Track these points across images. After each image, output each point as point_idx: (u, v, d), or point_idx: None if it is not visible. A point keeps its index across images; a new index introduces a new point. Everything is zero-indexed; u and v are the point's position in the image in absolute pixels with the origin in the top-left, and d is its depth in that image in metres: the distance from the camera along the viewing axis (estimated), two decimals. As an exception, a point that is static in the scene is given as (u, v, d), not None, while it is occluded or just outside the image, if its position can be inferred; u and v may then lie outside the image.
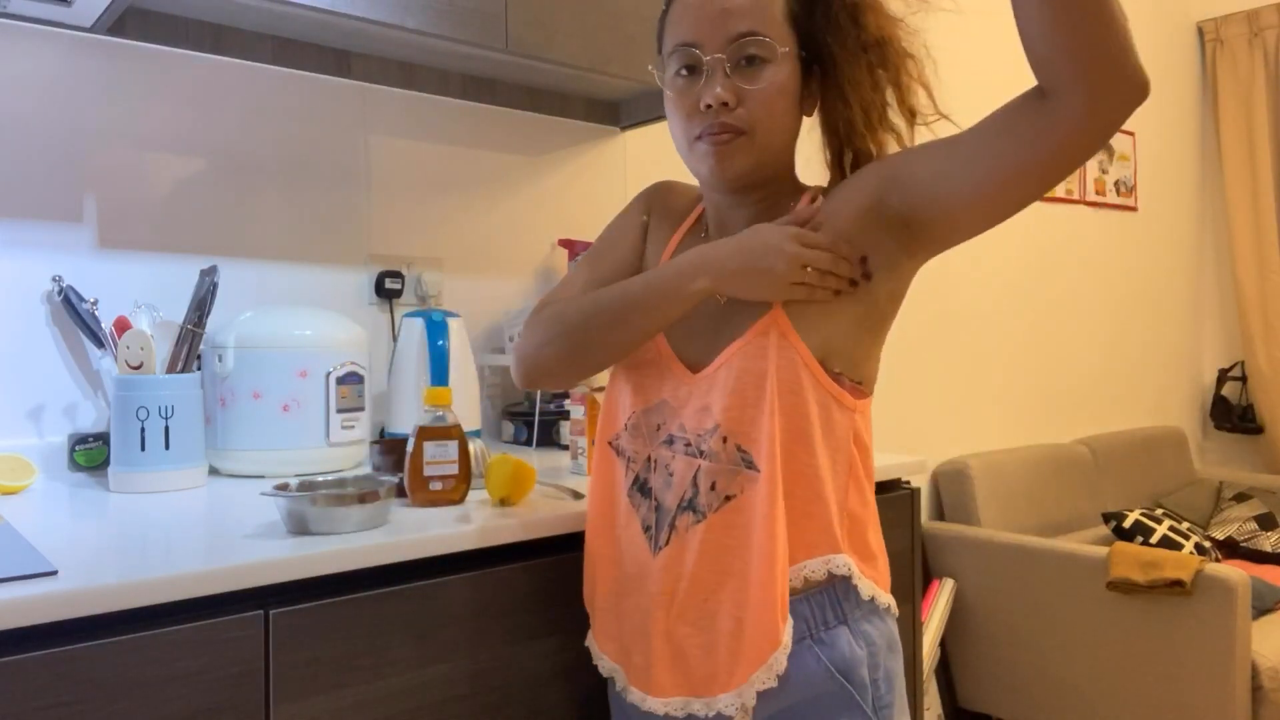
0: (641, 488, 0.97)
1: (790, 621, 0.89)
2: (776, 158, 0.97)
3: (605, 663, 1.01)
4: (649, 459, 0.97)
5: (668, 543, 0.94)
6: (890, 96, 0.95)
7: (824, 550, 0.91)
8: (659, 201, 1.09)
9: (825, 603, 0.92)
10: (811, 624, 0.91)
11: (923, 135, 0.94)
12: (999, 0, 0.82)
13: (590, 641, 1.04)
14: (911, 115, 0.95)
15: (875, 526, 0.98)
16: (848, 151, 0.98)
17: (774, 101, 0.92)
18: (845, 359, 0.93)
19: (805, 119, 1.00)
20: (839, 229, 0.92)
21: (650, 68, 1.02)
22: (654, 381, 0.99)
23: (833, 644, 0.91)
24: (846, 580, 0.92)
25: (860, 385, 0.95)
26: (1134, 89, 0.75)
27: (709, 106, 0.92)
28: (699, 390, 0.94)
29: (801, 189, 1.01)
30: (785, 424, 0.89)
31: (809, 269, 0.88)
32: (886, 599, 0.96)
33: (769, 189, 0.99)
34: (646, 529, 0.96)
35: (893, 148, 0.96)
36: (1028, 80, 0.79)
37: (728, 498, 0.91)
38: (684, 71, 0.95)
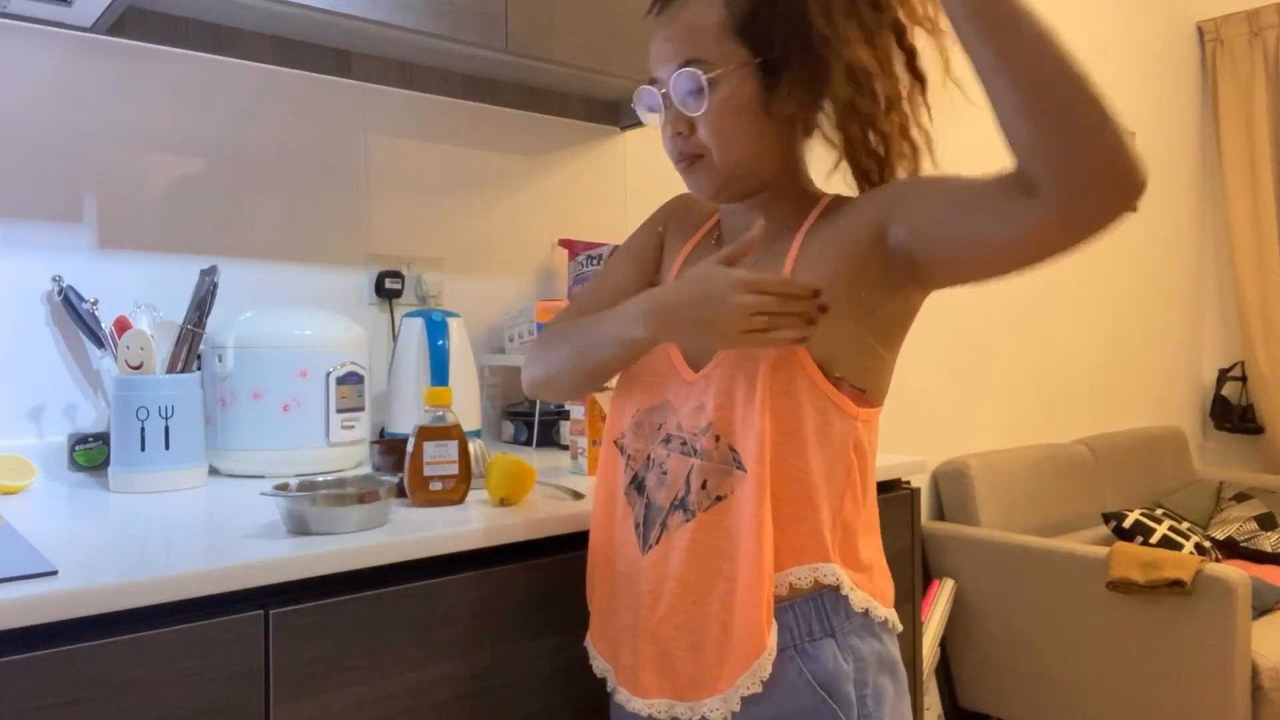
0: (638, 486, 0.97)
1: (775, 626, 0.88)
2: (750, 169, 0.96)
3: (599, 662, 1.01)
4: (648, 458, 0.97)
5: (658, 542, 0.93)
6: (902, 84, 0.93)
7: (812, 557, 0.90)
8: (677, 212, 1.11)
9: (811, 613, 0.90)
10: (795, 634, 0.89)
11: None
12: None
13: (588, 640, 1.04)
14: (921, 82, 0.94)
15: (871, 537, 0.96)
16: (874, 135, 0.95)
17: (722, 121, 0.93)
18: (850, 365, 0.91)
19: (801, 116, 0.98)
20: (844, 241, 0.91)
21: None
22: (659, 381, 0.98)
23: (816, 656, 0.89)
24: (835, 591, 0.90)
25: (863, 393, 0.93)
26: (1123, 191, 0.70)
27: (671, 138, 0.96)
28: (697, 389, 0.94)
29: (807, 187, 1.00)
30: (776, 425, 0.88)
31: (757, 316, 0.83)
32: (884, 613, 0.94)
33: (769, 192, 0.99)
34: (636, 526, 0.96)
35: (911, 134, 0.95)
36: None
37: (718, 498, 0.90)
38: (658, 104, 0.98)
